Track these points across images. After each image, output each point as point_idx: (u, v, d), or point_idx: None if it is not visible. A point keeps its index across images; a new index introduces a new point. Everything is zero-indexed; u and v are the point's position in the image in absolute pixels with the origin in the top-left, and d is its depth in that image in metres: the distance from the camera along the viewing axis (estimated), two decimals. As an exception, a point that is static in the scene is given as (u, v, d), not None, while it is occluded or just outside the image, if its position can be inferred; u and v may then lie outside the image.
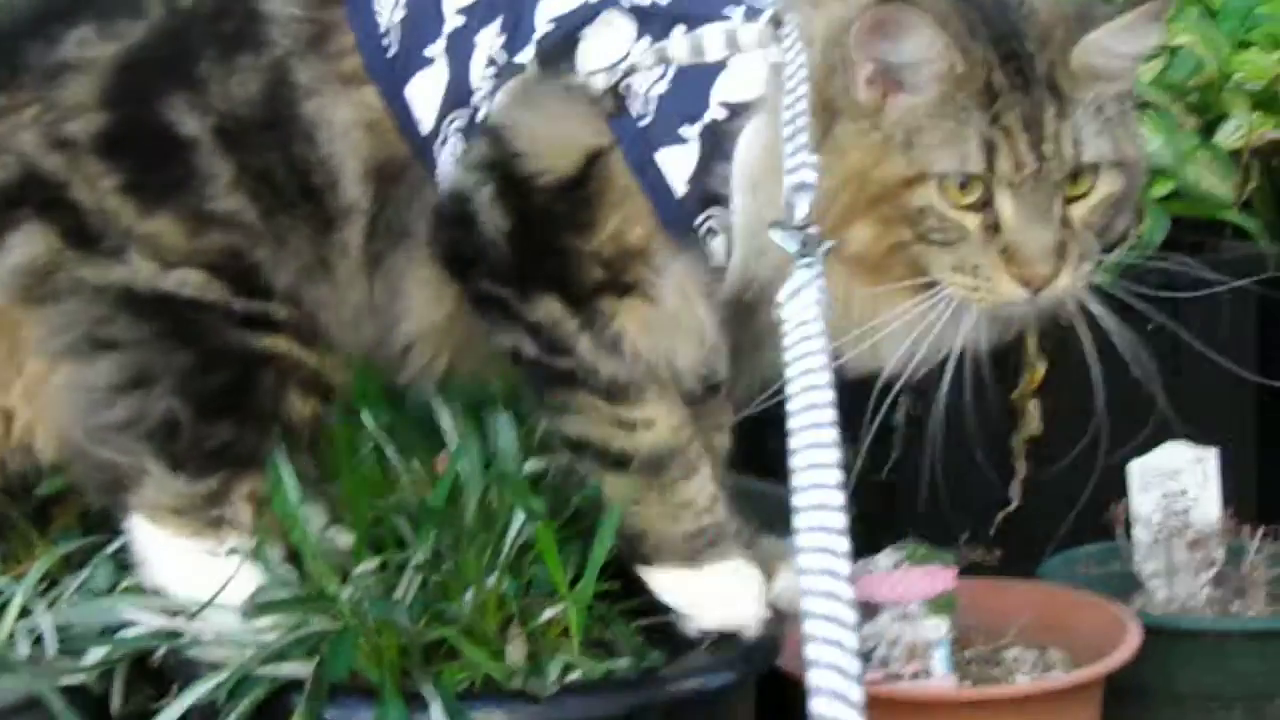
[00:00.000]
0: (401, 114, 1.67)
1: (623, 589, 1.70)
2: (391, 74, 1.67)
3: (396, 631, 1.58)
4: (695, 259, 1.60)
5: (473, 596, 1.63)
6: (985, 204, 1.47)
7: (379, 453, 1.78)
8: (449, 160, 1.66)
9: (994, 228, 1.47)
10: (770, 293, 1.47)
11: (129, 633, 1.66)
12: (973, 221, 1.47)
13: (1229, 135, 2.60)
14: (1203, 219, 2.56)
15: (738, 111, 1.57)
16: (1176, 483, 2.23)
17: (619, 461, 1.66)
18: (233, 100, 1.67)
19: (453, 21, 1.67)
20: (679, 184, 1.59)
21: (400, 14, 1.67)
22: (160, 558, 1.71)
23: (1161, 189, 2.49)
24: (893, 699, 1.90)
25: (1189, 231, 2.53)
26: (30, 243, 1.69)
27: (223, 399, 1.69)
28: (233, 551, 1.69)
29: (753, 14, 1.61)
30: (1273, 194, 2.72)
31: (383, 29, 1.67)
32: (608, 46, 1.62)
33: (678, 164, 1.59)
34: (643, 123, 1.60)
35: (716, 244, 1.59)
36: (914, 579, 1.93)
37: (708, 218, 1.59)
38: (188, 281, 1.68)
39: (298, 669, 1.57)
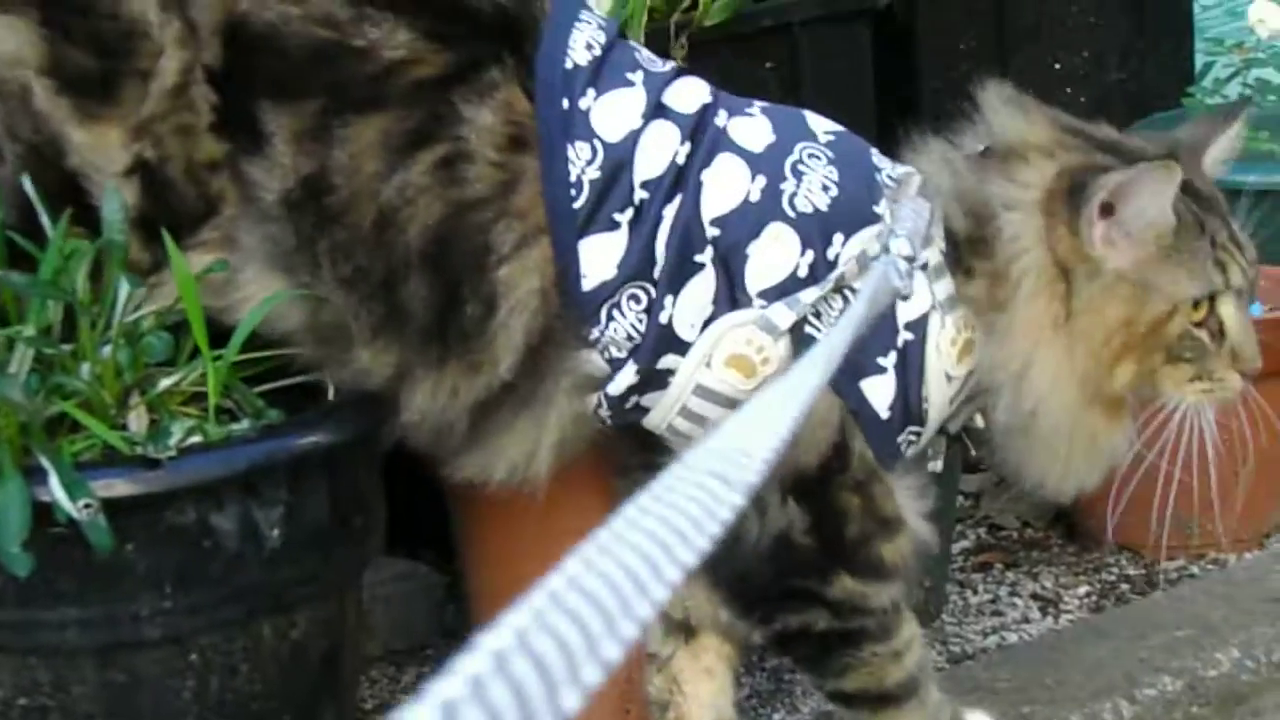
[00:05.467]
0: (567, 264, 1.75)
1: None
2: (570, 224, 1.75)
3: (13, 407, 1.67)
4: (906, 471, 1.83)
5: (89, 369, 1.73)
6: (1208, 316, 1.81)
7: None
8: (622, 327, 1.76)
9: (1218, 334, 1.81)
10: None
11: None
12: (1204, 333, 1.81)
13: None
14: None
15: (917, 328, 1.78)
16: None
17: (891, 696, 1.88)
18: (373, 191, 1.74)
19: (639, 194, 1.76)
20: (883, 410, 1.78)
21: (594, 175, 1.76)
22: None
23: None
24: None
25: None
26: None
27: None
28: None
29: (896, 206, 1.79)
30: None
31: (573, 179, 1.75)
32: (775, 262, 1.76)
33: (881, 391, 1.78)
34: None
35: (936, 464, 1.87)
36: None
37: (909, 435, 1.81)
38: (121, 188, 1.77)
39: (-86, 449, 1.65)
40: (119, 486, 1.66)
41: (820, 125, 1.86)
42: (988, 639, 2.49)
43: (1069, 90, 2.92)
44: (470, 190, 1.75)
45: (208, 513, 1.69)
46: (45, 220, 1.75)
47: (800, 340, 1.75)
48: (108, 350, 1.74)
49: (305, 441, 1.75)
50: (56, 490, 1.62)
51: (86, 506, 1.62)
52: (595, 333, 1.77)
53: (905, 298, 1.77)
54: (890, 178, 1.83)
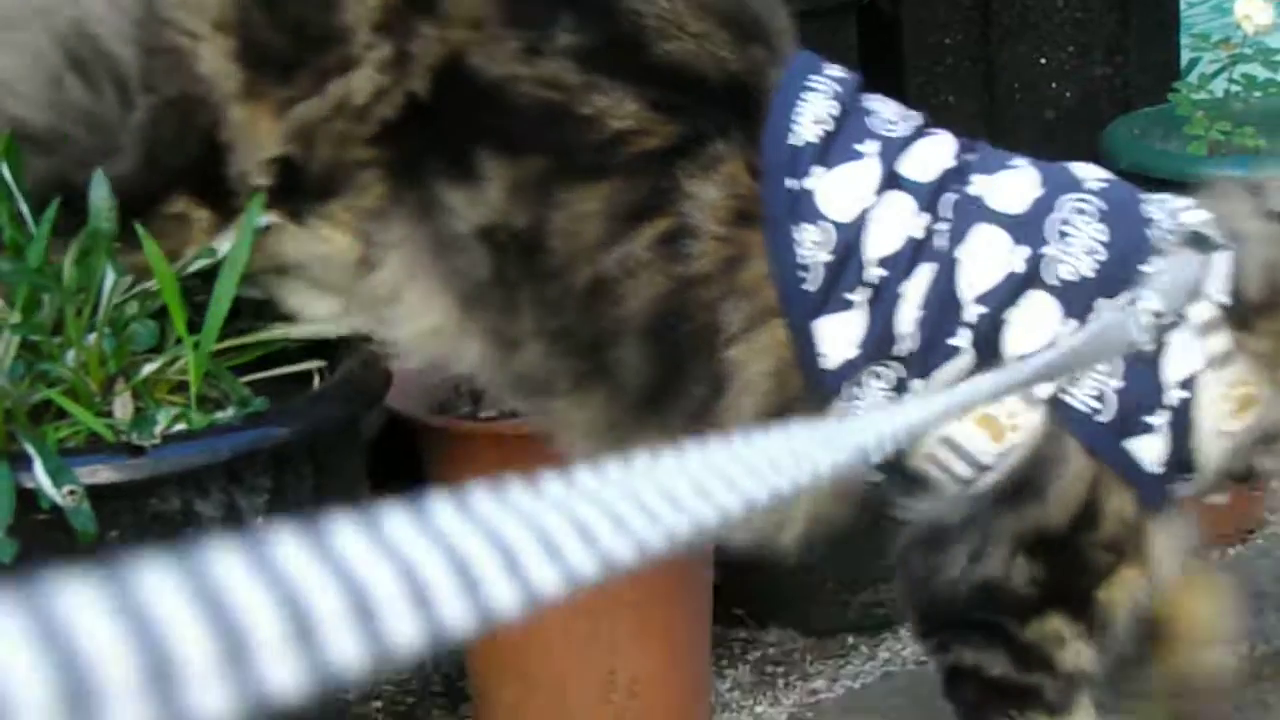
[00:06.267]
0: (804, 346, 1.73)
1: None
2: (803, 308, 1.72)
3: (-3, 394, 1.69)
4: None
5: (74, 356, 1.75)
6: None
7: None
8: (866, 406, 1.73)
9: None
10: None
11: None
12: None
13: None
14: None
15: (1189, 386, 1.72)
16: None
17: None
18: (586, 256, 1.73)
19: (874, 272, 1.73)
20: (1154, 465, 1.73)
21: (824, 257, 1.72)
22: None
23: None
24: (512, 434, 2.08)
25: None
26: None
27: None
28: None
29: (1161, 261, 1.72)
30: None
31: (801, 262, 1.72)
32: (1035, 331, 1.71)
33: (1150, 450, 1.73)
34: (1101, 418, 1.71)
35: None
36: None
37: (1180, 481, 1.76)
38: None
39: (-102, 436, 1.67)
40: (103, 473, 1.67)
41: (1088, 174, 1.81)
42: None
43: (1054, 85, 2.93)
44: (694, 266, 1.73)
45: (191, 500, 1.70)
46: (26, 212, 1.77)
47: (1057, 408, 1.72)
48: (93, 338, 1.75)
49: (289, 429, 1.77)
50: (41, 477, 1.63)
51: (71, 493, 1.63)
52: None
53: (1153, 352, 1.70)
54: (1166, 230, 1.76)
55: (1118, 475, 1.73)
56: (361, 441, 1.88)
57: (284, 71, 1.76)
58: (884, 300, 1.73)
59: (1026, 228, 1.73)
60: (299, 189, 1.78)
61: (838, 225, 1.73)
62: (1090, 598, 1.76)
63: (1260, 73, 2.87)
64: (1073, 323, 1.71)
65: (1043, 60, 2.93)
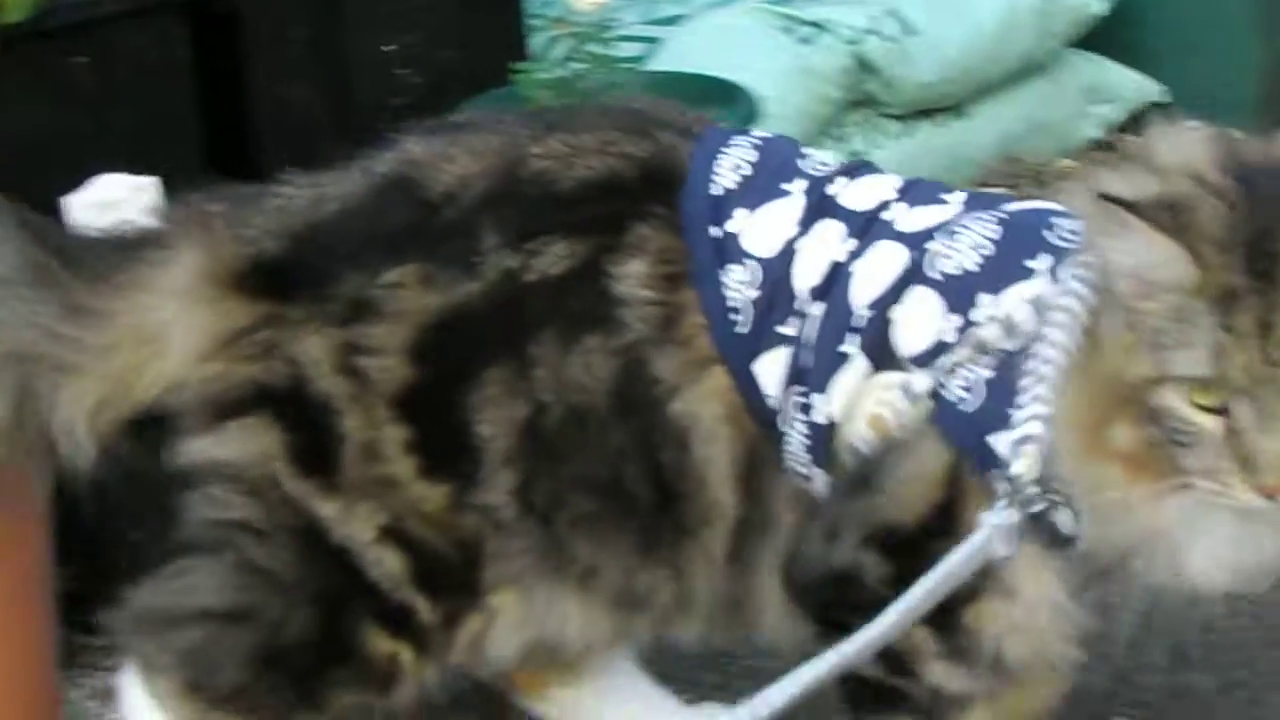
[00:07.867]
0: (748, 389, 1.70)
1: None
2: (740, 350, 1.69)
3: None
4: (1045, 539, 1.66)
5: None
6: (1227, 409, 1.55)
7: None
8: (797, 442, 1.72)
9: (1237, 433, 1.54)
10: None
11: None
12: (1215, 425, 1.55)
13: None
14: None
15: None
16: (118, 213, 2.42)
17: None
18: (568, 385, 1.70)
19: (804, 302, 1.71)
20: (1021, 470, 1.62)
21: (752, 294, 1.70)
22: None
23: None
24: None
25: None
26: (246, 440, 1.73)
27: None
28: None
29: (1058, 257, 1.65)
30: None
31: (731, 304, 1.70)
32: (920, 326, 1.68)
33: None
34: (966, 408, 1.66)
35: (1062, 516, 1.65)
36: None
37: (1048, 494, 1.62)
38: (381, 560, 1.75)
39: None
40: None
41: (1027, 204, 1.78)
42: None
43: (407, 71, 3.00)
44: (631, 334, 1.73)
45: None
46: None
47: (939, 403, 1.68)
48: None
49: None
50: None
51: None
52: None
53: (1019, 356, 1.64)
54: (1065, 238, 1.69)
55: (980, 477, 1.67)
56: None
57: (325, 458, 1.76)
58: (805, 326, 1.74)
59: (920, 238, 1.74)
60: (443, 566, 1.80)
61: (762, 261, 1.75)
62: (954, 617, 1.71)
63: (600, 50, 3.00)
64: (955, 318, 1.69)
65: (391, 47, 3.00)
